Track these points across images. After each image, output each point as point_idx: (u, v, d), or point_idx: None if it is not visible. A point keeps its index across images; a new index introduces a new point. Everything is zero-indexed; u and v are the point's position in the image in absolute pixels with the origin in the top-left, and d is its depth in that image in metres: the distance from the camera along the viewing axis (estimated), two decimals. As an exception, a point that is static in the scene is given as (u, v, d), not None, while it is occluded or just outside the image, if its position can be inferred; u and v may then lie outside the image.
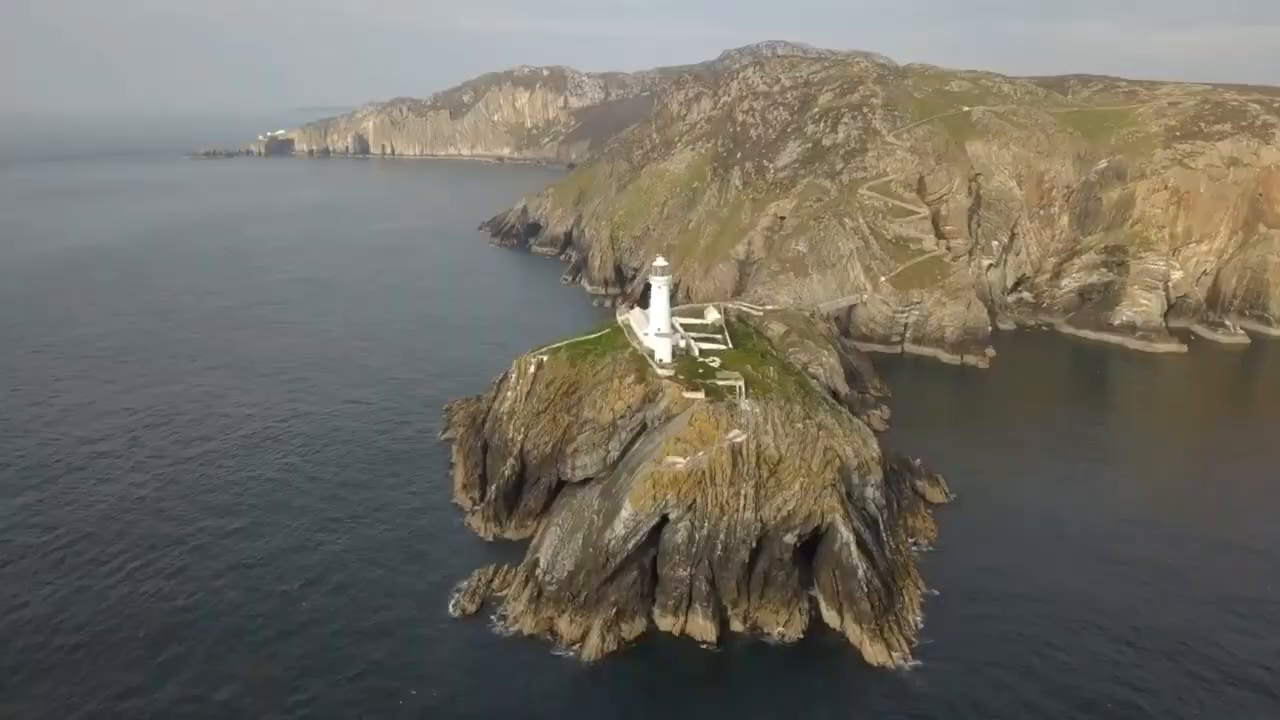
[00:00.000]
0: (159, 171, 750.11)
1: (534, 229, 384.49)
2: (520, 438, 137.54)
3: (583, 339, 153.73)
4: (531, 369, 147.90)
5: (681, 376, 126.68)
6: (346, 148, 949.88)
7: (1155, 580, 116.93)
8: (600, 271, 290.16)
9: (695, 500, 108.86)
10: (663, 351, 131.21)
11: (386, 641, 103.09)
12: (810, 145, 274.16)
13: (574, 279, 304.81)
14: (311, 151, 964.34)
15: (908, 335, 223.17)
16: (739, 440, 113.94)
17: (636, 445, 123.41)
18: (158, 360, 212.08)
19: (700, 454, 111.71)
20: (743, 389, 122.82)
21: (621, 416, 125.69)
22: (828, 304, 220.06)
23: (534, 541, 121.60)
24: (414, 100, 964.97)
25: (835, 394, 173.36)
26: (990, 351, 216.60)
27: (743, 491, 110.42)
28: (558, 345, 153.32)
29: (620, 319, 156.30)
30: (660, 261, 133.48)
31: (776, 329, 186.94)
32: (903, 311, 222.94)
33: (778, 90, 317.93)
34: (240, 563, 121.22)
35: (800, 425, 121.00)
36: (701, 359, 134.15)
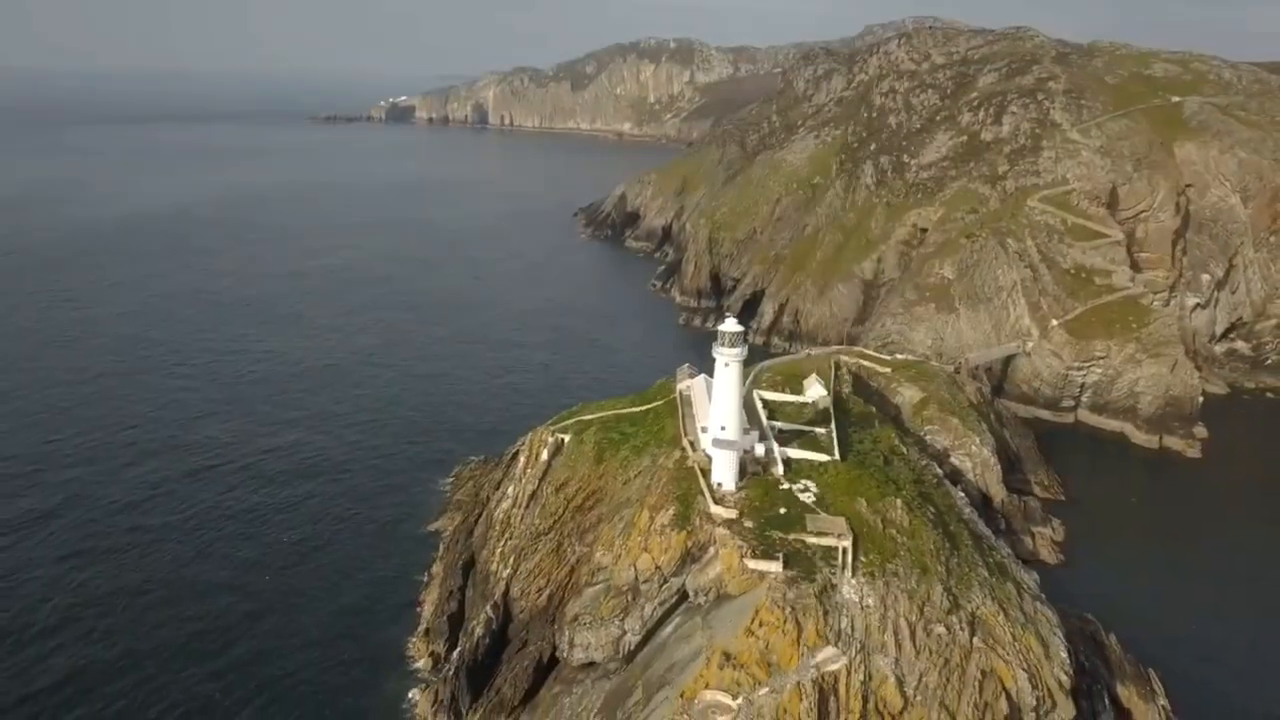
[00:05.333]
0: (272, 136, 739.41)
1: (631, 219, 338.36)
2: (507, 573, 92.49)
3: (623, 411, 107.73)
4: (544, 455, 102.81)
5: (748, 523, 78.46)
6: (466, 117, 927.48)
7: None
8: (693, 280, 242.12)
9: (745, 787, 61.33)
10: (723, 471, 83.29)
11: None
12: (965, 139, 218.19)
13: (664, 285, 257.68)
14: (431, 120, 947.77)
15: (1084, 400, 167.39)
16: (834, 668, 65.56)
17: (668, 630, 76.52)
18: (129, 366, 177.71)
19: (763, 692, 63.90)
20: (849, 554, 74.13)
21: (646, 580, 78.77)
22: (979, 354, 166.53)
23: (496, 767, 76.78)
24: (535, 70, 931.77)
25: (986, 500, 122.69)
26: (1200, 431, 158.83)
27: (833, 772, 62.21)
28: (588, 418, 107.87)
29: (680, 385, 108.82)
30: (731, 325, 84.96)
31: (908, 395, 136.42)
32: (1080, 368, 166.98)
33: (926, 69, 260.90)
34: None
35: (941, 630, 71.59)
36: (787, 482, 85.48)
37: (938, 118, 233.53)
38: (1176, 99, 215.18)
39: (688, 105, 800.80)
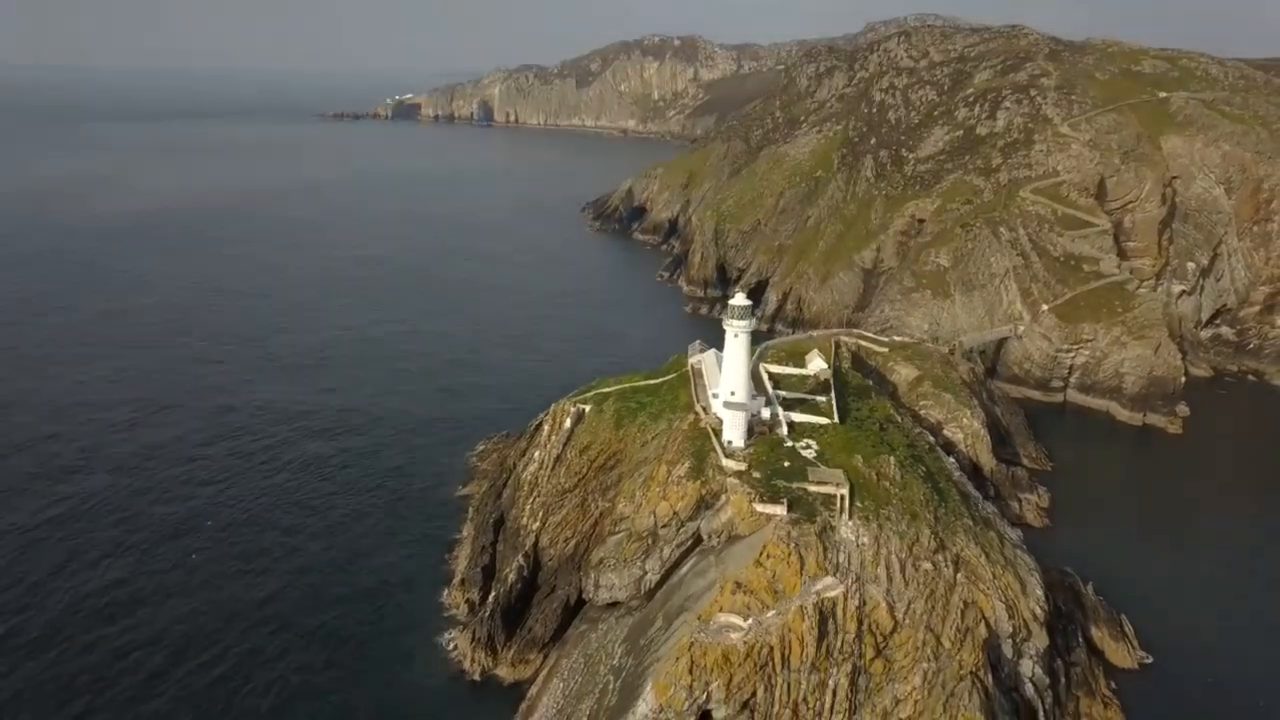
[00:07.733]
0: (283, 131, 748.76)
1: (638, 213, 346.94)
2: (536, 526, 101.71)
3: (639, 384, 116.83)
4: (567, 424, 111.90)
5: (756, 474, 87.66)
6: (471, 114, 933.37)
7: None
8: (700, 270, 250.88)
9: (755, 694, 70.43)
10: (733, 430, 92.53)
11: None
12: (961, 133, 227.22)
13: (671, 275, 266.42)
14: (436, 117, 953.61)
15: (1072, 381, 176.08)
16: (832, 594, 74.72)
17: (684, 569, 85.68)
18: (167, 347, 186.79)
19: (770, 615, 73.09)
20: (845, 500, 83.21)
21: (665, 525, 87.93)
22: (972, 336, 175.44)
23: (530, 692, 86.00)
24: (540, 67, 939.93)
25: (977, 468, 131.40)
26: (1182, 409, 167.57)
27: (833, 682, 71.41)
28: (607, 390, 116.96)
29: (691, 359, 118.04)
30: (740, 299, 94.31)
31: (904, 373, 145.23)
32: (1068, 350, 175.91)
33: (925, 66, 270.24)
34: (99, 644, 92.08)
35: (928, 565, 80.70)
36: (790, 441, 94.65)
37: (935, 113, 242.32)
38: (1164, 95, 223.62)
39: (692, 102, 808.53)
